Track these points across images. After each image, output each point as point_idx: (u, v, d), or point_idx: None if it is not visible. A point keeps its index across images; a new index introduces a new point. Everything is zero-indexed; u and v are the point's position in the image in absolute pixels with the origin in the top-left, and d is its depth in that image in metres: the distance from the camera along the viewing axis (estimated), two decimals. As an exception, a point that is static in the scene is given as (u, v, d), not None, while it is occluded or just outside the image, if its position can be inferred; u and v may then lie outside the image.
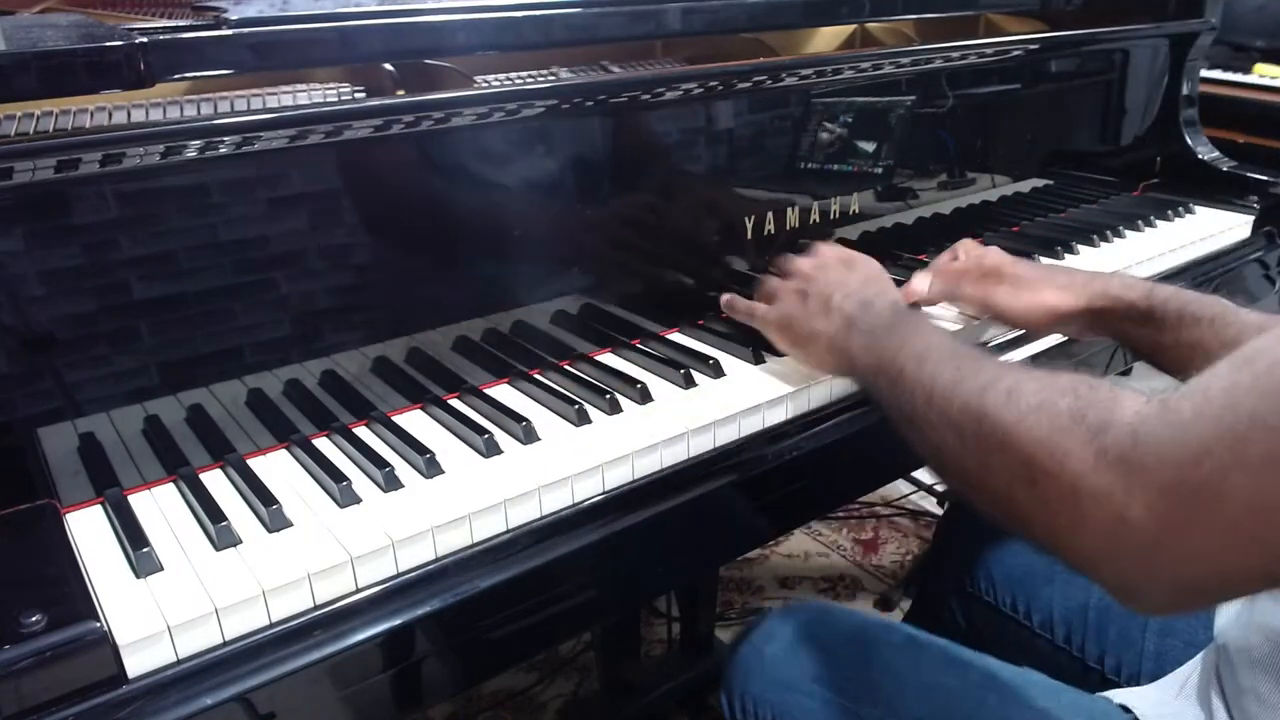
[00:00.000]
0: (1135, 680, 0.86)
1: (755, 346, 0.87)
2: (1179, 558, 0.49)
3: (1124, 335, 0.89)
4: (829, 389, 0.84)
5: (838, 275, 0.83)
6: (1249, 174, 1.37)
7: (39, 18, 0.83)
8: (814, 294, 0.81)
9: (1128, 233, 1.25)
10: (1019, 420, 0.55)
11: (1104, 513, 0.50)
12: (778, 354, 0.88)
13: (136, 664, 0.54)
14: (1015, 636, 0.93)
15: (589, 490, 0.70)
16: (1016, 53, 1.19)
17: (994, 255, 0.94)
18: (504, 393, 0.83)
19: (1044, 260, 1.12)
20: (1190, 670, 0.78)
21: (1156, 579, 0.51)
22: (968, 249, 0.97)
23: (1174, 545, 0.48)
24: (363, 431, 0.76)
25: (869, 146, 1.06)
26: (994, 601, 0.95)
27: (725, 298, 0.90)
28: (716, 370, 0.84)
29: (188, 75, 0.69)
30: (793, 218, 1.00)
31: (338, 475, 0.68)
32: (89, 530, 0.64)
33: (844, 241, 1.06)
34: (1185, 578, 0.50)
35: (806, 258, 0.87)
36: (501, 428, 0.76)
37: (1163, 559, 0.49)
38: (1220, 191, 1.36)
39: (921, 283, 0.95)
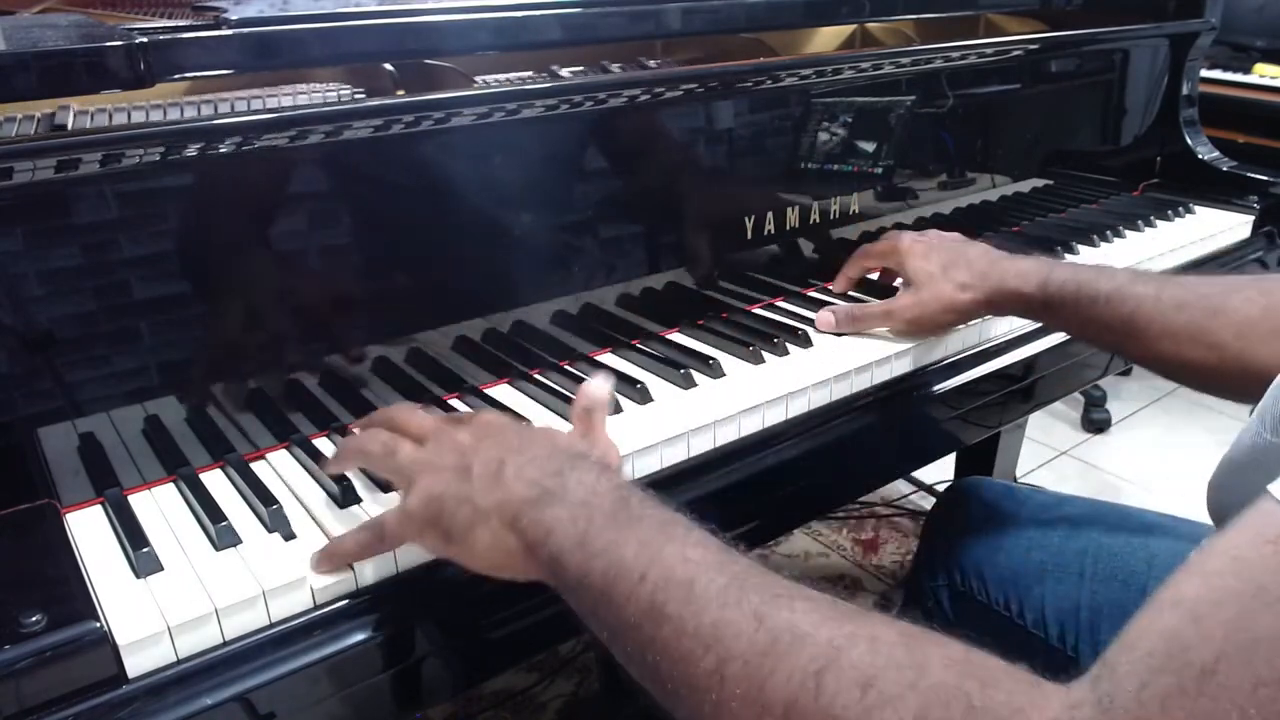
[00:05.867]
0: None
1: (755, 346, 0.87)
2: None
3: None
4: (829, 391, 0.84)
5: (485, 431, 0.58)
6: (1249, 174, 1.37)
7: (39, 18, 0.83)
8: (470, 455, 0.56)
9: (1128, 233, 1.25)
10: None
11: None
12: (783, 354, 0.88)
13: (136, 664, 0.54)
14: (1008, 635, 0.93)
15: (589, 490, 0.70)
16: (1016, 53, 1.19)
17: (906, 261, 0.91)
18: (503, 393, 0.83)
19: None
20: None
21: None
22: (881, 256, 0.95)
23: None
24: (363, 431, 0.76)
25: (869, 146, 1.06)
26: (985, 600, 0.95)
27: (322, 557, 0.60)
28: (716, 370, 0.84)
29: (188, 75, 0.69)
30: (793, 218, 1.00)
31: (338, 475, 0.68)
32: (89, 530, 0.64)
33: (844, 241, 1.07)
34: None
35: (405, 413, 0.63)
36: (501, 428, 0.75)
37: None
38: (1220, 191, 1.36)
39: (827, 319, 0.93)
